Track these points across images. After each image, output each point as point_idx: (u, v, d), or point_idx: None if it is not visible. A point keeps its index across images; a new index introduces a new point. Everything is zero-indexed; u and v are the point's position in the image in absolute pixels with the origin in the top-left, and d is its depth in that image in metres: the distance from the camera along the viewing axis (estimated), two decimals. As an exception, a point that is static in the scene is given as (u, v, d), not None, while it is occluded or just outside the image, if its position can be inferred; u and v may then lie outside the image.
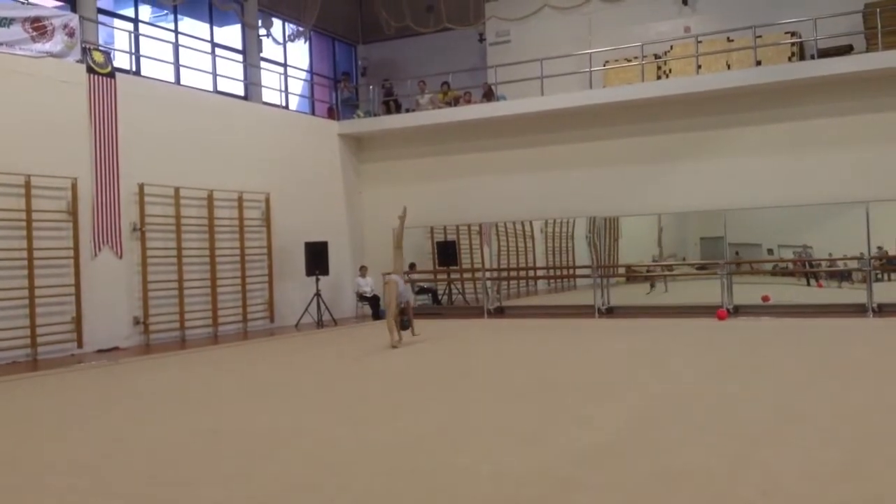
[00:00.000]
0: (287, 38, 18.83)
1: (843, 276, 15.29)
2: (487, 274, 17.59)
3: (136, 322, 13.45)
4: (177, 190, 14.19)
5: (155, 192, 13.81)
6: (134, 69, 14.74)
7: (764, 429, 5.65)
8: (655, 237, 17.06)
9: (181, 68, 15.77)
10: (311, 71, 20.12)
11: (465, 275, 18.61)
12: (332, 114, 19.20)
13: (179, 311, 14.11)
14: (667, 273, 16.96)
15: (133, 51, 14.91)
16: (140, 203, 13.57)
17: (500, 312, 17.33)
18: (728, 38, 16.22)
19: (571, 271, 18.02)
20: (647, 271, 17.01)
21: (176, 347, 13.06)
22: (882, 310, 13.89)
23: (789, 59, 15.62)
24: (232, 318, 15.24)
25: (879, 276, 14.65)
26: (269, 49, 18.32)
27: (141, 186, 13.56)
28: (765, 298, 15.26)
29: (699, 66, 15.94)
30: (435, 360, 10.41)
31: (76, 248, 12.41)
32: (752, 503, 4.05)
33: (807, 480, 4.35)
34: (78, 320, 12.38)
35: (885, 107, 14.56)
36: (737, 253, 15.58)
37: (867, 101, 14.67)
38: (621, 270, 17.40)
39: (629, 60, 16.93)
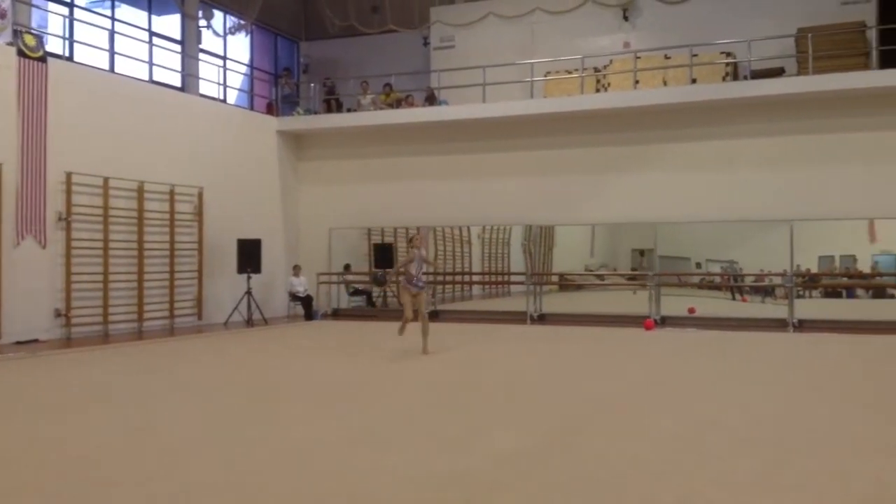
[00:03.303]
0: (228, 31, 18.52)
1: (767, 292, 15.77)
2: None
3: (58, 314, 13.02)
4: (106, 180, 13.81)
5: (83, 181, 13.42)
6: (67, 55, 14.29)
7: (684, 437, 5.78)
8: (589, 247, 17.31)
9: (116, 56, 15.36)
10: (251, 65, 19.83)
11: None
12: (271, 110, 18.97)
13: (104, 305, 13.72)
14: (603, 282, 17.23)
15: (67, 36, 14.46)
16: (67, 192, 13.16)
17: (434, 316, 17.29)
18: (665, 55, 16.57)
19: (506, 278, 18.16)
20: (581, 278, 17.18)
21: (99, 342, 12.70)
22: (802, 325, 14.37)
23: (723, 78, 16.04)
24: (158, 313, 14.89)
25: (801, 292, 15.16)
26: (209, 41, 17.99)
27: (68, 175, 13.16)
28: (691, 310, 15.65)
29: (637, 82, 16.27)
30: (363, 364, 10.34)
31: (-3, 236, 11.98)
32: (669, 510, 4.13)
33: (723, 489, 4.46)
34: (-4, 310, 11.94)
35: (813, 129, 15.08)
36: (641, 253, 15.90)
37: (796, 122, 15.16)
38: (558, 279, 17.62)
39: (570, 72, 17.16)
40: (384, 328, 15.14)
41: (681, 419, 6.44)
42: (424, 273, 10.92)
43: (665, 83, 16.30)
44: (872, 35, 15.22)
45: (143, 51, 16.20)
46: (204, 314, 15.79)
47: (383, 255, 18.51)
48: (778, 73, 15.64)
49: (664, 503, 4.23)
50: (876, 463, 5.01)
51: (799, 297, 14.95)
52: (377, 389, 8.19)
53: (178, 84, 16.96)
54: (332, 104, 19.03)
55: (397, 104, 18.11)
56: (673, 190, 15.88)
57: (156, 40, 16.67)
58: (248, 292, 15.86)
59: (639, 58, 16.37)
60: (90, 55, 14.94)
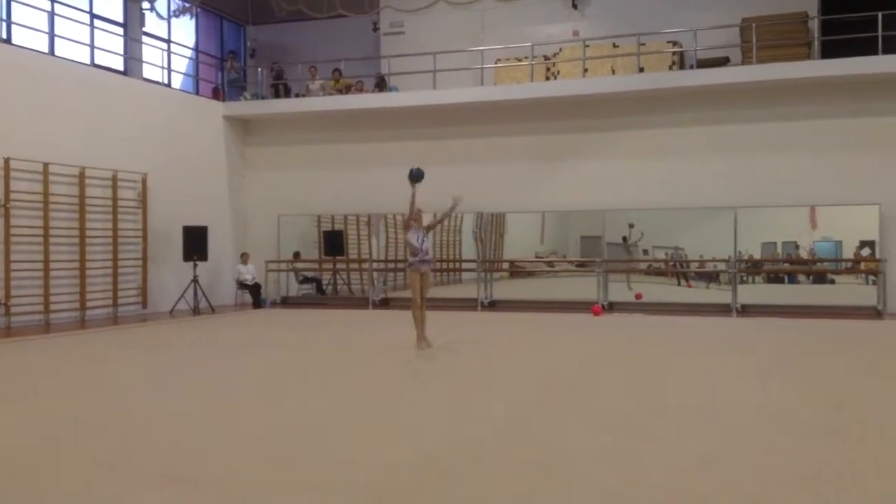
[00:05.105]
0: (172, 14, 18.09)
1: (711, 278, 16.07)
2: (374, 265, 17.53)
3: (-3, 303, 12.68)
4: (46, 166, 13.43)
5: (22, 167, 13.03)
6: (4, 37, 13.82)
7: (631, 421, 5.86)
8: (539, 234, 17.42)
9: (56, 39, 14.90)
10: (196, 49, 19.43)
11: (352, 265, 18.47)
12: (217, 94, 18.63)
13: (44, 294, 13.38)
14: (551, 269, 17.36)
15: (4, 17, 13.99)
16: (5, 178, 12.76)
17: (385, 304, 17.31)
18: (614, 43, 16.73)
19: (457, 265, 18.18)
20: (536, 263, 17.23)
21: (39, 331, 12.38)
22: (745, 310, 14.71)
23: (670, 67, 16.26)
24: (101, 302, 14.57)
25: (744, 278, 15.50)
26: (153, 23, 17.56)
27: (6, 161, 12.75)
28: (637, 296, 15.89)
29: (586, 70, 16.38)
30: (316, 353, 10.27)
31: (-70, 223, 11.58)
32: (616, 492, 4.18)
33: (669, 472, 4.53)
34: (-70, 300, 11.55)
35: (756, 118, 15.39)
36: (624, 239, 16.16)
37: (740, 111, 15.47)
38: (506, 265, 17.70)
39: (520, 60, 17.20)
40: (334, 316, 15.10)
41: (628, 404, 6.53)
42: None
43: (613, 71, 16.46)
44: (814, 25, 15.57)
45: (84, 33, 15.74)
46: (149, 302, 15.50)
47: (333, 242, 18.38)
48: (723, 62, 15.91)
49: (610, 486, 4.28)
50: (818, 443, 5.15)
51: (742, 282, 15.30)
52: (329, 378, 8.14)
53: (121, 68, 16.55)
54: (280, 89, 18.77)
55: (346, 90, 17.94)
56: (620, 177, 16.08)
57: (97, 22, 16.21)
58: (195, 280, 15.60)
59: (588, 46, 16.48)
60: (29, 37, 14.47)
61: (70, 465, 4.80)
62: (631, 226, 16.20)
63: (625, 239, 16.30)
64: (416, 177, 9.64)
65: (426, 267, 9.68)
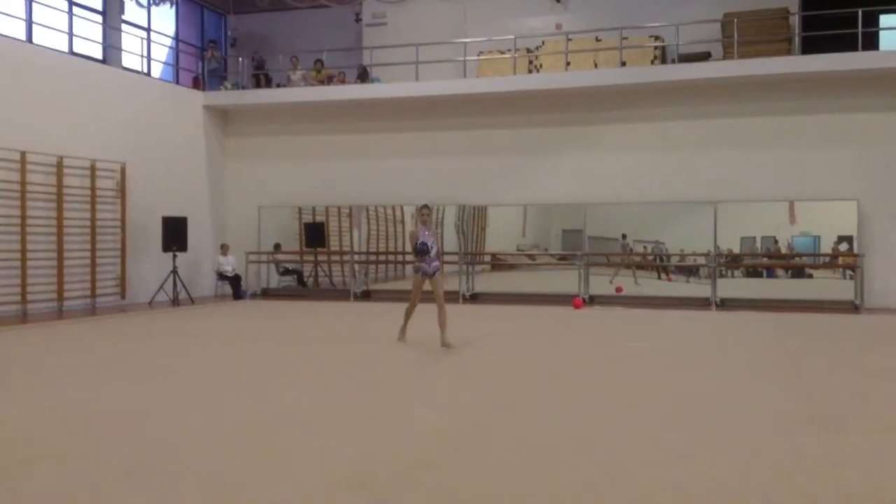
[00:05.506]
0: (151, 2, 17.90)
1: (691, 272, 16.16)
2: (356, 257, 17.47)
3: (-28, 294, 12.51)
4: (23, 154, 13.26)
5: (-2, 155, 12.89)
6: (-21, 22, 13.62)
7: (610, 413, 5.88)
8: (521, 227, 17.43)
9: (34, 26, 14.69)
10: (176, 38, 19.24)
11: (333, 257, 18.40)
12: (197, 84, 18.45)
13: (21, 284, 13.21)
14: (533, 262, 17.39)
15: (-22, 2, 13.78)
16: (-19, 166, 12.62)
17: (366, 296, 17.26)
18: (596, 37, 16.73)
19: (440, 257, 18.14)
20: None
21: (16, 322, 12.23)
22: (724, 304, 14.80)
23: (652, 62, 16.30)
24: (79, 292, 14.42)
25: (723, 272, 15.59)
26: (132, 11, 17.36)
27: (-18, 149, 12.61)
28: (618, 289, 15.96)
29: (568, 63, 16.38)
30: (295, 344, 10.23)
31: None
32: (594, 483, 4.19)
33: (647, 463, 4.55)
34: None
35: (737, 113, 15.47)
36: (623, 236, 16.28)
37: (721, 106, 15.54)
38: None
39: (502, 53, 17.18)
40: (315, 308, 15.04)
41: (608, 397, 6.56)
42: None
43: (596, 65, 16.47)
44: (795, 21, 15.65)
45: (62, 21, 15.54)
46: (128, 293, 15.36)
47: (315, 233, 18.30)
48: (704, 57, 15.96)
49: (589, 477, 4.29)
50: (795, 436, 5.19)
51: (721, 276, 15.39)
52: (308, 370, 8.10)
53: (100, 56, 16.35)
54: (261, 79, 18.64)
55: (328, 81, 17.85)
56: (602, 171, 16.11)
57: (76, 10, 15.99)
58: (174, 271, 15.47)
59: (570, 40, 16.48)
60: (6, 24, 14.25)
61: (46, 456, 4.74)
62: (623, 236, 16.30)
63: (624, 236, 16.38)
64: (420, 251, 9.47)
65: (432, 269, 9.53)
